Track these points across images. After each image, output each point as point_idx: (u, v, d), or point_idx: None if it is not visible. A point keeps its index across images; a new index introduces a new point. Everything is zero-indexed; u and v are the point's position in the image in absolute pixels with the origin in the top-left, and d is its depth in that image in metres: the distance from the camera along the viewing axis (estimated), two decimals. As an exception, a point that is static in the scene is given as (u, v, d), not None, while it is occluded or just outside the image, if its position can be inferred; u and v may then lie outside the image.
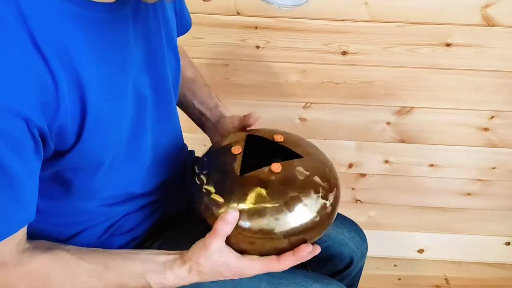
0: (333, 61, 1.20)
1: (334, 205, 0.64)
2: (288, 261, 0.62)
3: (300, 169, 0.64)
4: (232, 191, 0.62)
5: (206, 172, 0.66)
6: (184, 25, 0.84)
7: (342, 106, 1.27)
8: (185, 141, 0.87)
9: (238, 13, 1.14)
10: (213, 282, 0.70)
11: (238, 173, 0.63)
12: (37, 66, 0.49)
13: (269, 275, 0.71)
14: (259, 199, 0.61)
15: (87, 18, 0.53)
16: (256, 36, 1.17)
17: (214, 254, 0.61)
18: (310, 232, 0.62)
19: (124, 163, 0.65)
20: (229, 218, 0.60)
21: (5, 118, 0.47)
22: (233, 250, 0.62)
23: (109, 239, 0.73)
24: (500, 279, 1.50)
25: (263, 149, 0.71)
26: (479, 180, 1.39)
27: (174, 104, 0.75)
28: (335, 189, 0.65)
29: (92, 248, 0.65)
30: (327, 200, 0.63)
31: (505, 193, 1.41)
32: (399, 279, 1.49)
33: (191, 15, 0.86)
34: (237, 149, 0.66)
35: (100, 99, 0.55)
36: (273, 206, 0.60)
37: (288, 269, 0.64)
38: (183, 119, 0.88)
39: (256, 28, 1.16)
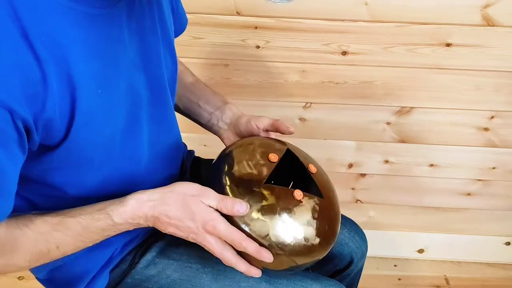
0: (333, 61, 1.20)
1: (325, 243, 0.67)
2: (251, 246, 0.60)
3: (316, 208, 0.65)
4: (251, 192, 0.63)
5: (230, 165, 0.66)
6: (180, 25, 0.83)
7: (342, 106, 1.27)
8: (185, 141, 0.87)
9: (238, 13, 1.14)
10: (212, 282, 0.70)
11: (264, 181, 0.63)
12: (25, 58, 0.49)
13: (269, 275, 0.71)
14: (268, 211, 0.62)
15: (80, 13, 0.53)
16: (256, 36, 1.17)
17: (202, 200, 0.60)
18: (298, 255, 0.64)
19: (120, 161, 0.65)
20: (239, 209, 0.60)
21: None
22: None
23: (108, 239, 0.72)
24: (500, 279, 1.50)
25: (289, 164, 0.71)
26: (479, 180, 1.39)
27: (171, 103, 0.75)
28: (333, 238, 0.68)
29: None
30: (320, 238, 0.65)
31: (505, 193, 1.41)
32: (399, 279, 1.49)
33: (191, 15, 0.86)
34: (273, 157, 0.66)
35: (91, 94, 0.55)
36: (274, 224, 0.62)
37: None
38: (183, 119, 0.88)
39: (256, 28, 1.16)
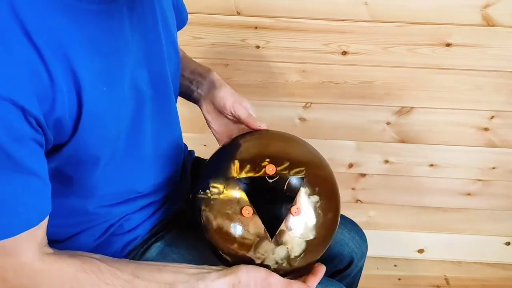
0: (333, 61, 1.20)
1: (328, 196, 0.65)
2: (315, 283, 0.64)
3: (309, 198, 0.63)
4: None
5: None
6: (180, 20, 0.82)
7: (342, 106, 1.27)
8: (185, 141, 0.87)
9: (238, 13, 1.14)
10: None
11: (269, 236, 0.62)
12: (31, 57, 0.48)
13: None
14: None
15: (79, 10, 0.53)
16: (256, 36, 1.17)
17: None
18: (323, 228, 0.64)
19: (124, 159, 0.65)
20: None
21: (3, 108, 0.47)
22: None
23: (108, 240, 0.73)
24: (500, 279, 1.50)
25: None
26: (479, 180, 1.39)
27: (174, 99, 0.75)
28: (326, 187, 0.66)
29: (117, 258, 0.63)
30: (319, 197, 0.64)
31: (505, 193, 1.41)
32: (399, 279, 1.49)
33: (191, 15, 0.86)
34: (248, 212, 0.62)
35: (96, 91, 0.55)
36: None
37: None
38: (183, 119, 0.88)
39: (256, 28, 1.16)
